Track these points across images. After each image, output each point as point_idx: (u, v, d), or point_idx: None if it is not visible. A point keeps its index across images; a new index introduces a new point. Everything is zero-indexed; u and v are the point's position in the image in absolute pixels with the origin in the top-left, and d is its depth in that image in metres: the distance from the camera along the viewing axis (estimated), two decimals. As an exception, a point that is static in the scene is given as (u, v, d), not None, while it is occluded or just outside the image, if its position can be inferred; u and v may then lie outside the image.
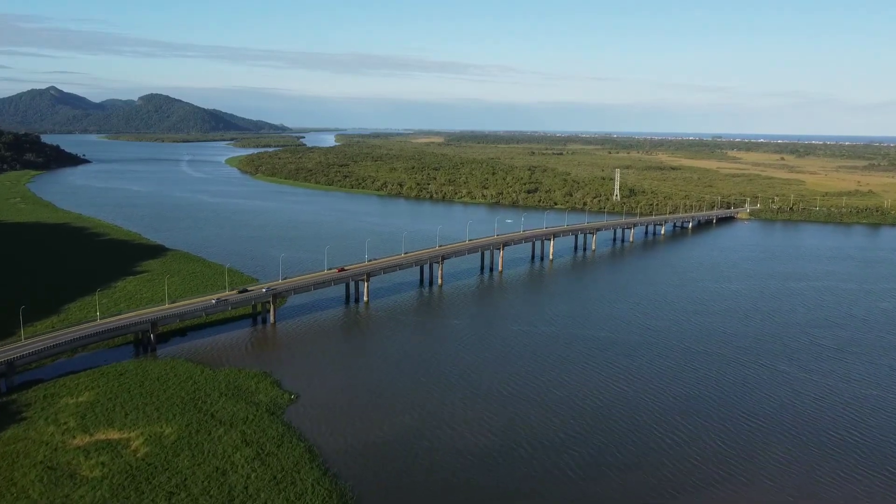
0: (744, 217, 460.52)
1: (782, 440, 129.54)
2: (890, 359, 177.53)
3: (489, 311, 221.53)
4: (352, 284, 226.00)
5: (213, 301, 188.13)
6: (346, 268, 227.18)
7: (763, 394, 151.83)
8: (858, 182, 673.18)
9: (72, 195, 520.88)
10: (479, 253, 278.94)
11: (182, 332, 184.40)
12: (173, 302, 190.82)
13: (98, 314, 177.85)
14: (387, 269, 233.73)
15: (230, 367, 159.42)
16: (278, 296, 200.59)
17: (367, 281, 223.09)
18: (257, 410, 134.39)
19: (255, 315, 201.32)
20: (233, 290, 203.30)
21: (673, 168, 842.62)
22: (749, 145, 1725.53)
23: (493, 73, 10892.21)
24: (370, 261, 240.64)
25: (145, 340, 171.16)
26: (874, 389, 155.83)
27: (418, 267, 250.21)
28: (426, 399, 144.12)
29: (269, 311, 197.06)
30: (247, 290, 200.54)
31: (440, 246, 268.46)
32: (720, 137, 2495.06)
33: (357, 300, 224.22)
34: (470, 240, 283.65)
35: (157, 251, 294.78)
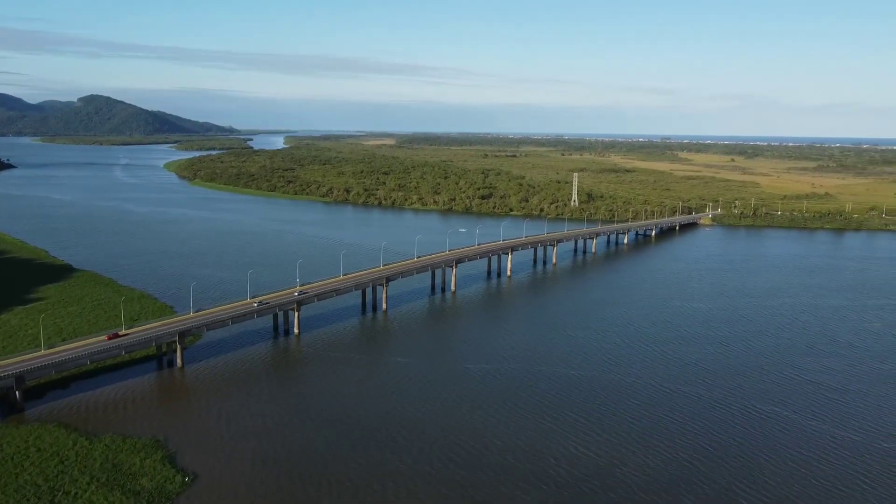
0: (706, 223, 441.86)
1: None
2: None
3: (440, 344, 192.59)
4: (280, 315, 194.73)
5: (103, 344, 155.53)
6: (120, 333, 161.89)
7: (764, 454, 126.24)
8: (812, 184, 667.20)
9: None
10: (430, 271, 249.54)
11: (63, 384, 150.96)
12: (52, 347, 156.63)
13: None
14: (321, 296, 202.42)
15: (114, 433, 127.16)
16: (186, 333, 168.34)
17: (298, 311, 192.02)
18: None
19: (160, 356, 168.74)
20: (129, 327, 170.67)
21: (627, 170, 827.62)
22: (699, 146, 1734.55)
23: (447, 75, 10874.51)
24: (302, 285, 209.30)
25: (11, 398, 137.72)
26: (890, 442, 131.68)
27: (359, 291, 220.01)
28: (359, 477, 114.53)
29: (175, 351, 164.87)
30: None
31: (385, 265, 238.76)
32: (669, 139, 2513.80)
33: (287, 332, 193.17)
34: (419, 257, 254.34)
35: (61, 273, 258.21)
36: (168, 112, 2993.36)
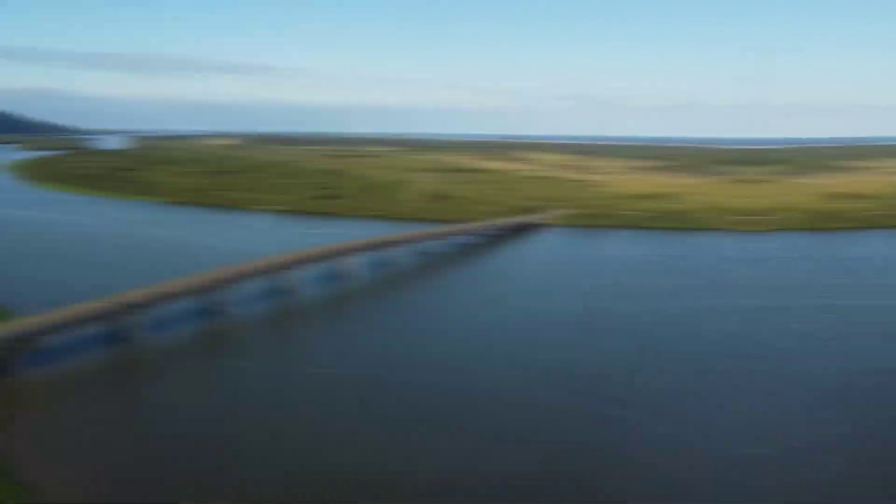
0: (548, 223, 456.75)
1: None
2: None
3: (287, 347, 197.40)
4: (116, 321, 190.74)
5: None
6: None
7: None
8: (655, 184, 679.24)
9: None
10: (272, 274, 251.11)
11: None
12: None
13: None
14: (161, 301, 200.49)
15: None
16: (14, 341, 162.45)
17: (135, 317, 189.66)
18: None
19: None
20: None
21: (473, 170, 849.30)
22: (542, 146, 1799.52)
23: (291, 76, 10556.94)
24: (141, 288, 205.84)
25: None
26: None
27: (199, 295, 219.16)
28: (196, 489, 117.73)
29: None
30: None
31: (226, 266, 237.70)
32: (512, 138, 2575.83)
33: (124, 339, 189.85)
34: (261, 258, 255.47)
35: None
36: (12, 112, 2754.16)
